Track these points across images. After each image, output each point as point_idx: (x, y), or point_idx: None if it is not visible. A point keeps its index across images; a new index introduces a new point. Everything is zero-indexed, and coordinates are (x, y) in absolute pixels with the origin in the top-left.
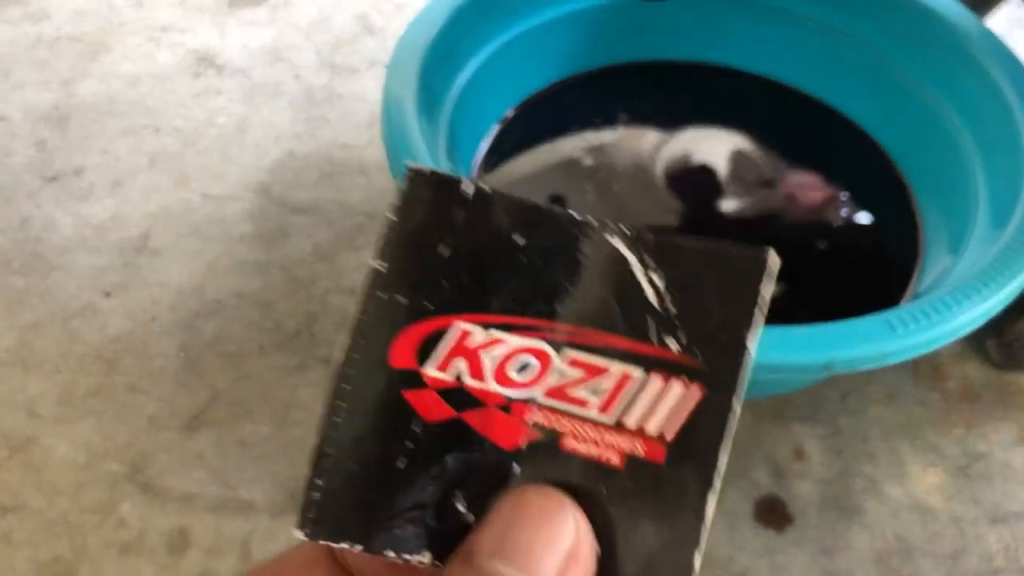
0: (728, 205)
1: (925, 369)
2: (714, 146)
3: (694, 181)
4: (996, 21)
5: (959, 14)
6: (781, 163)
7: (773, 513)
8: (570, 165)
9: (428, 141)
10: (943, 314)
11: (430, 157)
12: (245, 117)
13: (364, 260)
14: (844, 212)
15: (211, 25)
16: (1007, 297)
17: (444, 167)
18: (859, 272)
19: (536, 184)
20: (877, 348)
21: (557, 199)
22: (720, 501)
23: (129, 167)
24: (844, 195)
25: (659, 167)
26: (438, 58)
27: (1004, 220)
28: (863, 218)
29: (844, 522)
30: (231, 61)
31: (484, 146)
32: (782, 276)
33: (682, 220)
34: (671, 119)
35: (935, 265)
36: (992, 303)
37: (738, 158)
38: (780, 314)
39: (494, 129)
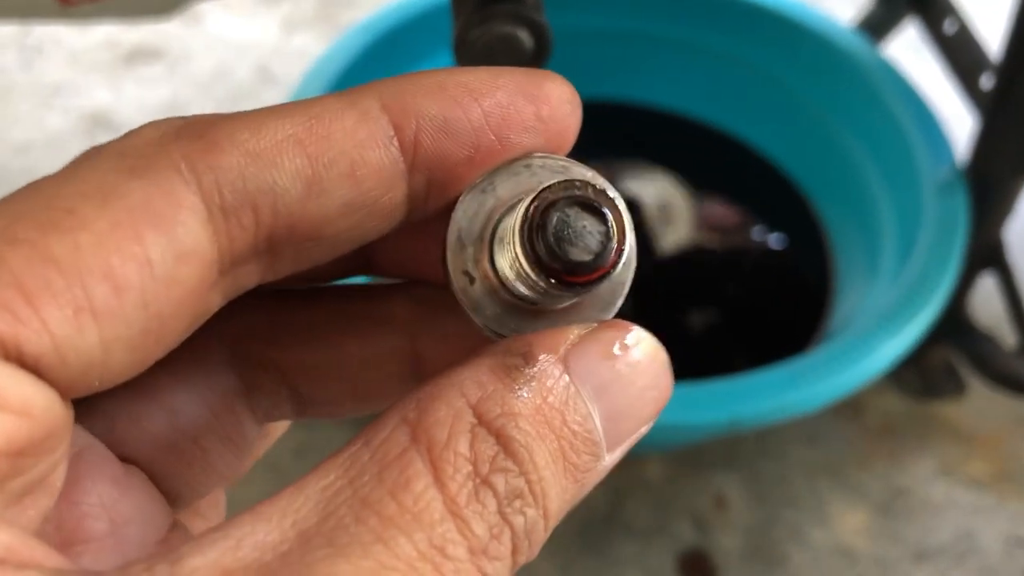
0: (650, 240)
1: (844, 404)
2: (638, 184)
3: None
4: (895, 46)
5: (858, 46)
6: (696, 197)
7: (697, 568)
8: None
9: None
10: (845, 364)
11: None
12: None
13: None
14: (758, 240)
15: (106, 84)
16: (908, 341)
17: None
18: (778, 296)
19: None
20: (781, 403)
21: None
22: (642, 558)
23: None
24: (759, 227)
25: None
26: None
27: (907, 253)
28: (777, 244)
29: (769, 572)
30: (127, 121)
31: None
32: (711, 303)
33: None
34: (585, 158)
35: (852, 288)
36: (894, 348)
37: (659, 195)
38: (709, 342)
39: None
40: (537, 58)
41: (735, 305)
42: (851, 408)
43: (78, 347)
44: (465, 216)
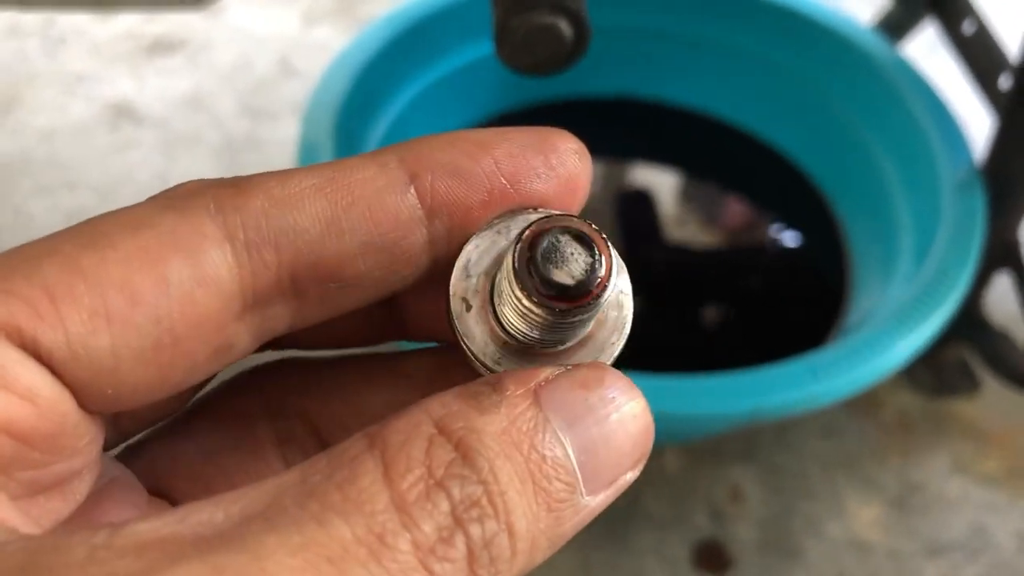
0: (665, 235)
1: (860, 399)
2: (650, 179)
3: (631, 213)
4: (911, 46)
5: (876, 45)
6: (711, 193)
7: (713, 558)
8: None
9: None
10: (865, 357)
11: None
12: (165, 170)
13: None
14: (775, 237)
15: (128, 74)
16: (925, 338)
17: None
18: (793, 294)
19: None
20: (800, 395)
21: None
22: (659, 548)
23: (44, 228)
24: (775, 224)
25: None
26: (357, 104)
27: (924, 252)
28: (793, 242)
29: (784, 564)
30: (149, 111)
31: None
32: (725, 299)
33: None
34: (602, 155)
35: (868, 286)
36: (913, 343)
37: (674, 191)
38: (723, 338)
39: None
40: (576, 48)
41: (750, 302)
42: (867, 403)
43: (90, 347)
44: (476, 250)
